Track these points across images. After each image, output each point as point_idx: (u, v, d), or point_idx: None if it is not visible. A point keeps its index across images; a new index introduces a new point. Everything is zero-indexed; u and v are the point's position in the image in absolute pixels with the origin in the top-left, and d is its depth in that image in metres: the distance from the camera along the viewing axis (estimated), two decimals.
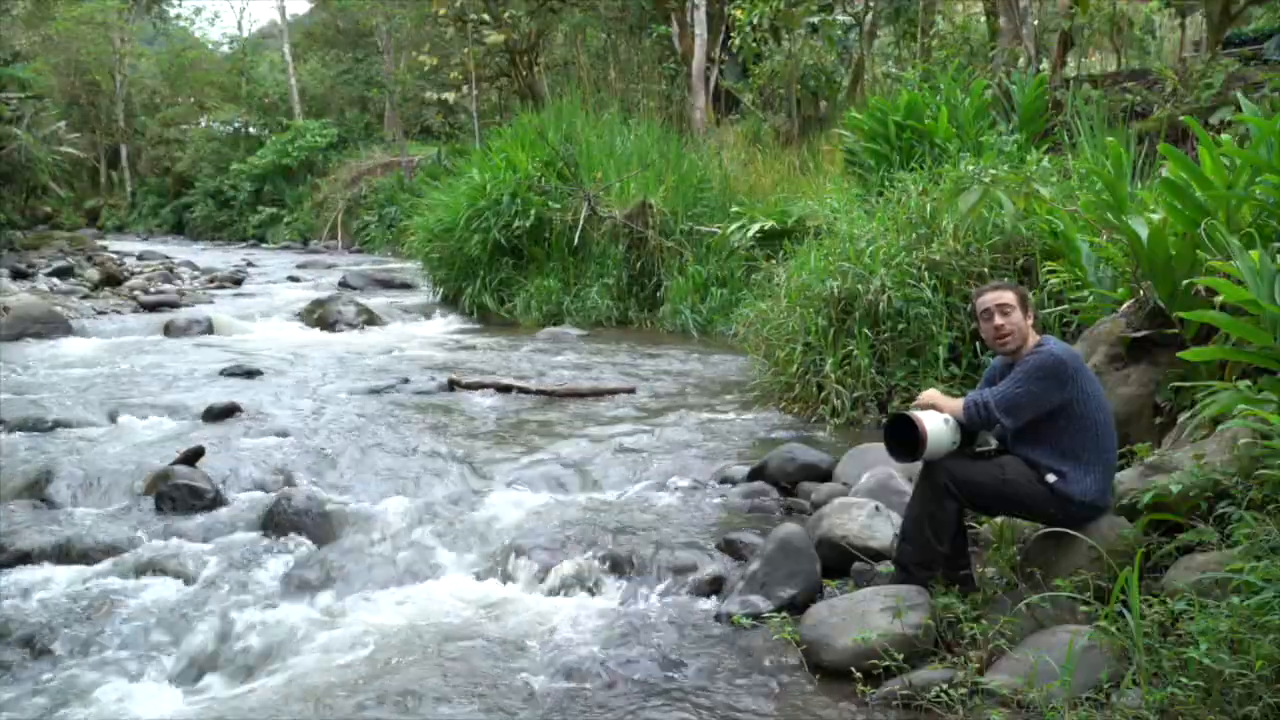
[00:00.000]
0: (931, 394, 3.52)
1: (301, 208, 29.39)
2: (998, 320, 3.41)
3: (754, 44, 15.38)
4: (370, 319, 11.50)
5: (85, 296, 13.77)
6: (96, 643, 3.42)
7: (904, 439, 3.33)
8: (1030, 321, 3.45)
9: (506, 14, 19.88)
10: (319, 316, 11.47)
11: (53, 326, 10.38)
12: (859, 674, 3.01)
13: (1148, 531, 3.23)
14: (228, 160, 33.03)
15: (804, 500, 4.74)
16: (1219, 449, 3.28)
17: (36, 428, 6.12)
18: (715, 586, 3.81)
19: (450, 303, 12.73)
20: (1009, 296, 3.43)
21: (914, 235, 6.46)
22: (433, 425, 6.40)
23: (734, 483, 5.05)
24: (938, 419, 3.31)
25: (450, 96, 22.70)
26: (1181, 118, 7.20)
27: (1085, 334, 4.71)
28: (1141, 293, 4.37)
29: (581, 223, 11.36)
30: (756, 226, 10.21)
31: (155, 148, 38.60)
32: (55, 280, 15.07)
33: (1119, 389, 4.24)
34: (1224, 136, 5.08)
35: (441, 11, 20.26)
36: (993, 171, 6.30)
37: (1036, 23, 12.64)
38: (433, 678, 3.17)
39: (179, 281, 16.14)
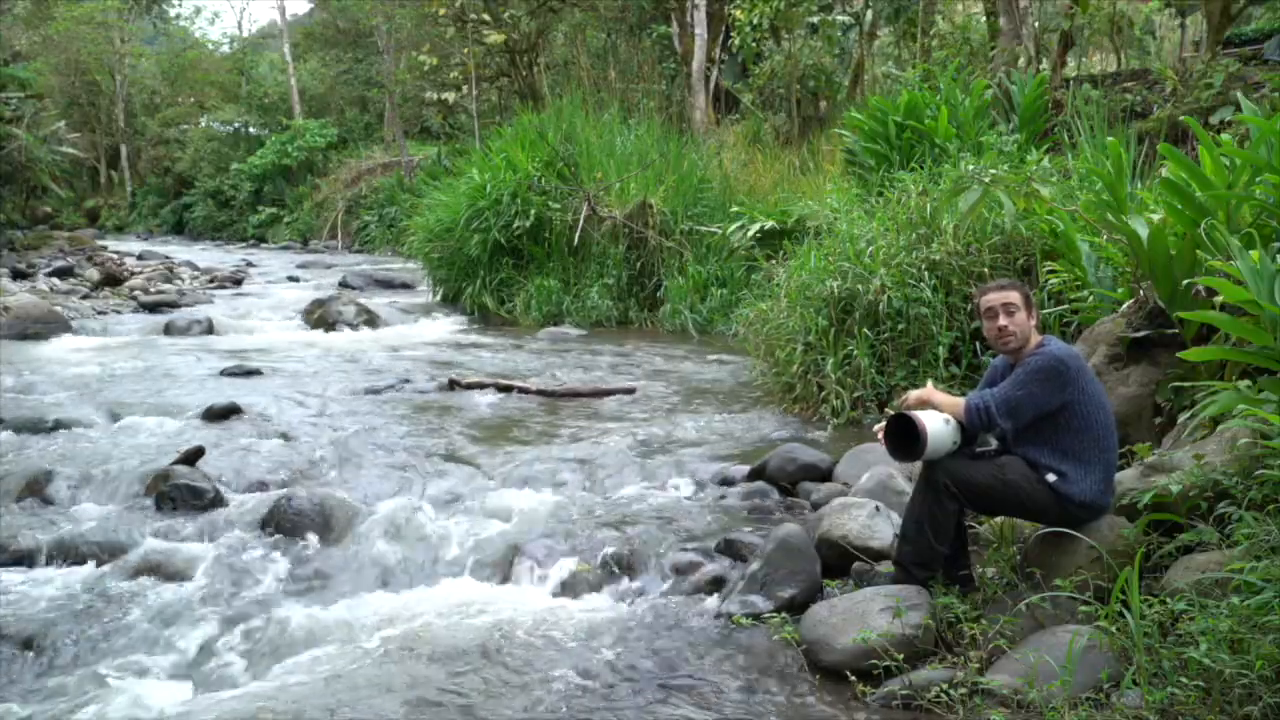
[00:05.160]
0: (926, 391, 3.50)
1: (301, 208, 29.40)
2: (1002, 320, 3.40)
3: (754, 44, 15.38)
4: (370, 319, 11.49)
5: (85, 296, 13.78)
6: (96, 643, 3.42)
7: (904, 439, 3.33)
8: (1033, 322, 3.44)
9: (506, 14, 19.89)
10: (319, 316, 11.47)
11: (53, 326, 10.38)
12: (859, 674, 3.01)
13: (1148, 531, 3.23)
14: (228, 160, 33.04)
15: (804, 500, 4.74)
16: (1219, 449, 3.29)
17: (36, 428, 6.11)
18: (715, 586, 3.81)
19: (450, 302, 12.74)
20: (1014, 296, 3.42)
21: (914, 235, 6.46)
22: (433, 425, 6.40)
23: (734, 483, 5.05)
24: (938, 419, 3.30)
25: (450, 96, 22.73)
26: (1181, 118, 7.21)
27: (1085, 334, 4.71)
28: (1141, 293, 4.37)
29: (581, 223, 11.36)
30: (756, 226, 10.21)
31: (155, 148, 38.61)
32: (55, 280, 15.08)
33: (1119, 389, 4.24)
34: (1224, 136, 5.09)
35: (441, 11, 20.27)
36: (993, 171, 6.30)
37: (1036, 23, 12.65)
38: (433, 677, 3.17)
39: (179, 281, 16.14)
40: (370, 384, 7.66)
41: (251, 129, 34.93)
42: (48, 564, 4.10)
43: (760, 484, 4.91)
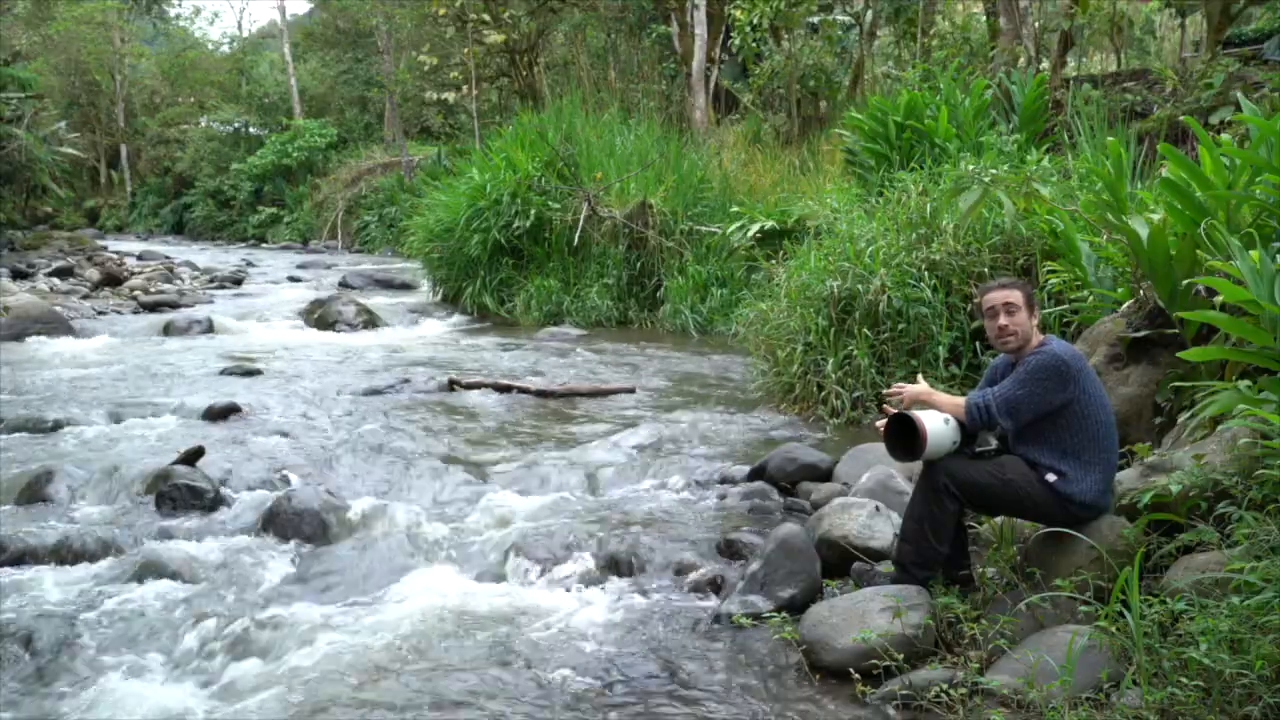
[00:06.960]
0: (925, 391, 3.50)
1: (301, 208, 29.41)
2: (1003, 319, 3.39)
3: (754, 44, 15.39)
4: (370, 319, 11.50)
5: (85, 296, 13.79)
6: (96, 643, 3.42)
7: (904, 439, 3.33)
8: (1035, 321, 3.44)
9: (506, 14, 19.90)
10: (319, 316, 11.48)
11: (53, 326, 10.38)
12: (859, 674, 3.01)
13: (1148, 531, 3.23)
14: (228, 160, 33.07)
15: (804, 500, 4.74)
16: (1219, 449, 3.28)
17: (36, 428, 6.12)
18: (715, 586, 3.81)
19: (450, 302, 12.75)
20: (1016, 296, 3.41)
21: (914, 235, 6.46)
22: (432, 425, 6.40)
23: (734, 483, 5.05)
24: (938, 419, 3.30)
25: (450, 96, 22.73)
26: (1181, 118, 7.21)
27: (1085, 334, 4.71)
28: (1141, 293, 4.37)
29: (581, 223, 11.36)
30: (756, 226, 10.21)
31: (155, 148, 38.62)
32: (55, 280, 15.10)
33: (1119, 389, 4.24)
34: (1224, 136, 5.09)
35: (441, 11, 20.27)
36: (993, 171, 6.30)
37: (1037, 23, 12.65)
38: (432, 678, 3.17)
39: (179, 281, 16.15)
40: (370, 384, 7.66)
41: (251, 129, 34.95)
42: (48, 564, 4.09)
43: (760, 484, 4.91)
